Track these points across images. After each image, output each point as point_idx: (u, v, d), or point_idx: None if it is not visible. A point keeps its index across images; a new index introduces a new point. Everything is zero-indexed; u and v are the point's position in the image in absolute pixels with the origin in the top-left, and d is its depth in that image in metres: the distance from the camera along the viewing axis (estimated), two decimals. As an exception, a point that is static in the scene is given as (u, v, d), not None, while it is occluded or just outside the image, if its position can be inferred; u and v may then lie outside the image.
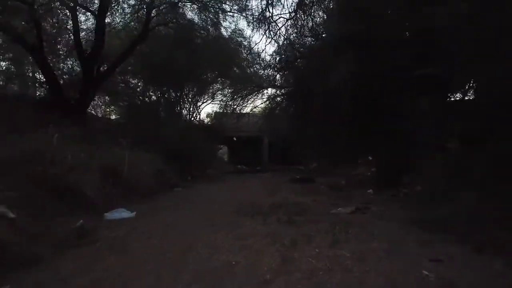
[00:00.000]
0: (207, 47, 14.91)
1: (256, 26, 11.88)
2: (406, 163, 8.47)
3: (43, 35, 10.49)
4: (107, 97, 15.73)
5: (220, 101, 21.13)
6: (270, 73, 17.35)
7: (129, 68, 15.40)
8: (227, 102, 20.04)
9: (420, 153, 7.78)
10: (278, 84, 18.18)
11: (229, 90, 19.85)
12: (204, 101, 22.62)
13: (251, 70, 18.71)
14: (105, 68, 12.68)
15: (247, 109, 22.90)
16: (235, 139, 26.64)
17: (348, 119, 10.72)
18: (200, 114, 22.97)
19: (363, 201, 6.23)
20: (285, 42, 14.00)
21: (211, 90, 21.79)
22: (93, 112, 16.46)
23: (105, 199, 5.74)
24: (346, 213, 5.19)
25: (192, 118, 22.13)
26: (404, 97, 9.17)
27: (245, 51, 17.20)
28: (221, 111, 24.38)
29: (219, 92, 21.02)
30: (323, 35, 13.47)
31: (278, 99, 19.80)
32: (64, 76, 12.96)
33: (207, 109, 48.77)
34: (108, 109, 16.78)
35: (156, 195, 7.52)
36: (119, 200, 6.09)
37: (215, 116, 25.73)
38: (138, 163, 8.19)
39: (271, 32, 12.63)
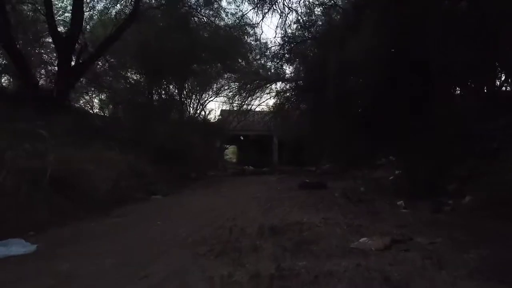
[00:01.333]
0: (206, 34, 13.25)
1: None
2: (447, 163, 6.52)
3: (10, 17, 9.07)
4: (95, 90, 14.23)
5: (225, 97, 19.32)
6: (278, 65, 15.55)
7: (122, 60, 13.91)
8: (233, 98, 18.25)
9: (470, 150, 5.86)
10: (287, 77, 16.34)
11: (234, 85, 18.04)
12: (210, 97, 20.87)
13: (258, 62, 16.92)
14: (89, 56, 11.16)
15: (254, 106, 21.21)
16: (242, 138, 24.89)
17: (368, 111, 8.87)
18: (205, 111, 21.20)
19: (397, 222, 4.27)
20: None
21: (215, 85, 20.04)
22: (85, 107, 15.10)
23: (29, 215, 4.09)
24: (376, 249, 3.04)
25: (196, 115, 20.54)
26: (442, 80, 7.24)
27: (251, 39, 15.51)
28: (227, 108, 22.82)
29: (225, 87, 19.14)
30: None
31: (288, 94, 18.01)
32: (42, 66, 11.53)
33: (213, 106, 47.03)
34: (100, 104, 15.29)
35: (119, 207, 5.82)
36: (55, 216, 4.43)
37: (221, 114, 24.16)
38: (106, 166, 6.56)
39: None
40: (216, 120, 21.78)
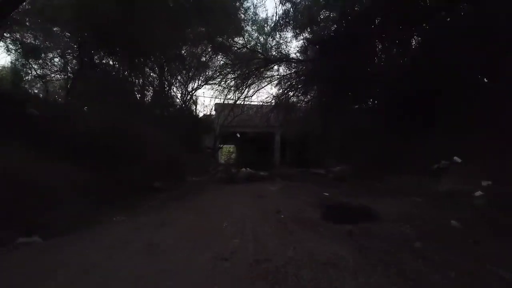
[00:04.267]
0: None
1: None
2: None
3: None
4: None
5: (216, 84, 15.94)
6: (280, 39, 12.23)
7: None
8: (224, 83, 14.89)
9: None
10: (295, 58, 12.98)
11: (228, 69, 14.60)
12: (200, 84, 17.34)
13: (255, 38, 13.54)
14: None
15: (252, 96, 17.88)
16: (238, 135, 21.59)
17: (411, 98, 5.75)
18: (194, 101, 17.81)
19: None
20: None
21: (208, 72, 16.54)
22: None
23: None
24: None
25: (183, 106, 17.16)
26: None
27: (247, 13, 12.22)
28: (223, 102, 19.46)
29: (217, 73, 15.66)
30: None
31: (293, 81, 14.67)
32: None
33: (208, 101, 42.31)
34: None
35: None
36: None
37: (215, 108, 20.89)
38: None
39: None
40: (205, 114, 18.37)
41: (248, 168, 16.83)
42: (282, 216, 4.71)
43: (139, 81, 13.61)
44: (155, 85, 14.61)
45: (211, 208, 5.73)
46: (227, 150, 27.93)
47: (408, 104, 8.26)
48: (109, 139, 6.65)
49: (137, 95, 13.54)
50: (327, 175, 14.44)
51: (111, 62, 11.37)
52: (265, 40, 12.87)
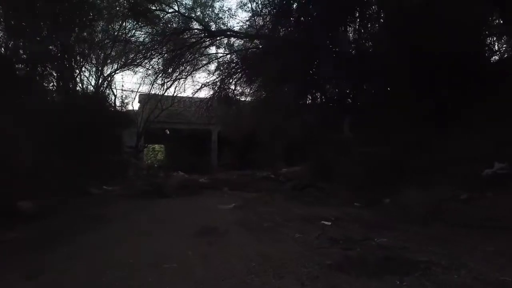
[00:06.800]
0: None
1: None
2: None
3: None
4: None
5: (140, 64, 12.24)
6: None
7: None
8: (149, 64, 11.42)
9: None
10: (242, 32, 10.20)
11: (155, 46, 11.06)
12: (119, 67, 13.31)
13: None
14: None
15: (185, 82, 14.65)
16: (167, 132, 18.11)
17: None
18: (111, 89, 13.68)
19: None
20: None
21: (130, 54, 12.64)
22: None
23: None
24: None
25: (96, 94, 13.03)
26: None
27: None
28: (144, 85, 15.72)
29: (140, 51, 11.89)
30: None
31: (237, 66, 12.00)
32: None
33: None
34: None
35: None
36: None
37: (140, 100, 17.10)
38: None
39: None
40: (122, 102, 14.52)
41: (181, 172, 13.63)
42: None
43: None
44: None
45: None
46: (154, 150, 24.03)
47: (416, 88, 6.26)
48: None
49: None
50: (278, 179, 12.20)
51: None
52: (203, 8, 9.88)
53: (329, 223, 4.00)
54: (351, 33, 8.06)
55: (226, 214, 4.98)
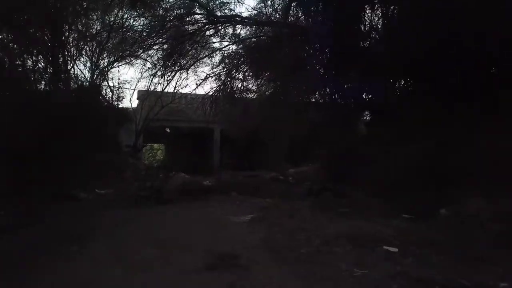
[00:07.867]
0: None
1: None
2: None
3: None
4: None
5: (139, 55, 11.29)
6: None
7: None
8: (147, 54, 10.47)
9: None
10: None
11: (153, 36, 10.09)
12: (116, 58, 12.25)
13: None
14: None
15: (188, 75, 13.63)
16: (168, 130, 17.19)
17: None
18: (107, 81, 12.68)
19: None
20: None
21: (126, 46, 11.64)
22: None
23: None
24: None
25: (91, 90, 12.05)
26: None
27: None
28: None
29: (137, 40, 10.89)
30: None
31: (243, 58, 11.09)
32: None
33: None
34: None
35: None
36: None
37: (139, 96, 16.20)
38: None
39: None
40: (119, 96, 13.59)
41: (182, 173, 12.67)
42: None
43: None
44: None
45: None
46: (154, 149, 23.14)
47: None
48: None
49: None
50: (287, 180, 11.26)
51: None
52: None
53: (395, 249, 2.90)
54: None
55: (244, 231, 3.97)
